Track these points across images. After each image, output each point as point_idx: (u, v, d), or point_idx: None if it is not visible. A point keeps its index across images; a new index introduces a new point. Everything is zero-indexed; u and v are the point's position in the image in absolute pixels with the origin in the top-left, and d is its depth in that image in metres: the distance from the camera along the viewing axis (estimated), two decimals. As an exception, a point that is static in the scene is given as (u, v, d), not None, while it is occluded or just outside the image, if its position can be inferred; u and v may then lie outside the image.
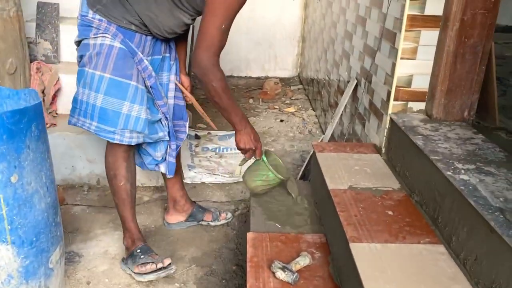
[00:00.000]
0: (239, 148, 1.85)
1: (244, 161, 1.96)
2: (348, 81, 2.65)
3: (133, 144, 1.82)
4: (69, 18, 3.03)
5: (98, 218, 2.30)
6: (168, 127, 1.92)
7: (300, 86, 4.64)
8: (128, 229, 1.96)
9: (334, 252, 1.61)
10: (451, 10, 1.70)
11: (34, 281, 1.48)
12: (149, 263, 1.84)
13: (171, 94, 1.96)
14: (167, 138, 1.93)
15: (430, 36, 1.81)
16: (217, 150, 3.11)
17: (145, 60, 1.74)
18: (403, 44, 1.82)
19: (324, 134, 3.14)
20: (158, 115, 1.86)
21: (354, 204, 1.61)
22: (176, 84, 1.96)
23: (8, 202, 1.34)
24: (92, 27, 1.69)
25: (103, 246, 2.08)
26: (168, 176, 2.08)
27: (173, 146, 1.99)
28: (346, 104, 2.55)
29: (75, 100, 1.80)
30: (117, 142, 1.78)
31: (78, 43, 1.79)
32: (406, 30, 1.80)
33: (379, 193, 1.68)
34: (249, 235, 1.76)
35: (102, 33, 1.68)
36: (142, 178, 2.57)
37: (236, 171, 2.82)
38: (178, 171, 2.16)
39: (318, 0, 3.92)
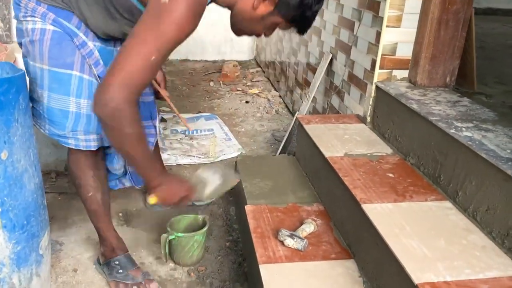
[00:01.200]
0: (168, 205, 1.50)
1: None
2: (321, 57, 2.66)
3: (93, 149, 1.52)
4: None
5: (73, 205, 2.14)
6: None
7: (258, 69, 4.62)
8: (105, 239, 1.70)
9: (338, 218, 1.62)
10: (435, -23, 1.74)
11: (26, 268, 1.35)
12: (128, 283, 1.61)
13: None
14: None
15: (414, 3, 1.85)
16: (187, 132, 3.02)
17: (89, 43, 1.41)
18: (388, 11, 1.84)
19: (294, 112, 3.15)
20: None
21: (355, 169, 1.62)
22: None
23: (-2, 181, 1.20)
24: (20, 6, 1.38)
25: (85, 233, 1.95)
26: (137, 187, 1.85)
27: None
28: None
29: (30, 98, 1.45)
30: (73, 147, 1.51)
31: None
32: (391, -2, 1.82)
33: (375, 158, 1.71)
34: (248, 208, 1.72)
35: (31, 15, 1.37)
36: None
37: (211, 151, 2.76)
38: (157, 153, 2.05)
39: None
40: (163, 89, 1.82)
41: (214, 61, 4.89)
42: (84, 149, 1.52)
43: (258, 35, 1.39)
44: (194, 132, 3.03)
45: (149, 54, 1.16)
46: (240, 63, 4.74)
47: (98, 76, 1.47)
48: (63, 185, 2.32)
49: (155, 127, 1.79)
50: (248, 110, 3.51)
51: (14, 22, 2.65)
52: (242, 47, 4.97)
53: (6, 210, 1.24)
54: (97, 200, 1.64)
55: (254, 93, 3.86)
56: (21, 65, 2.50)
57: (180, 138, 2.94)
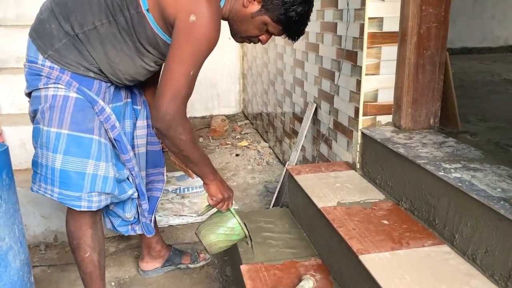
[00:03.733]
0: (213, 200, 1.61)
1: (208, 209, 1.72)
2: (306, 107, 2.70)
3: (101, 207, 1.58)
4: (5, 68, 2.84)
5: (63, 277, 2.07)
6: (136, 184, 1.68)
7: (247, 121, 4.67)
8: None
9: (336, 271, 1.57)
10: (407, 25, 1.81)
11: None
12: None
13: (141, 141, 1.75)
14: (136, 195, 1.69)
15: (390, 51, 1.90)
16: (178, 191, 2.98)
17: (107, 109, 1.51)
18: (366, 60, 1.89)
19: (284, 162, 3.15)
20: (125, 171, 1.62)
21: (349, 218, 1.59)
22: (148, 128, 1.76)
23: (-19, 263, 1.16)
24: (42, 75, 1.45)
25: (76, 306, 1.87)
26: (148, 236, 1.87)
27: (145, 206, 1.75)
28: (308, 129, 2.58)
29: (34, 163, 1.54)
30: (85, 209, 1.53)
31: (28, 95, 1.54)
32: (368, 47, 1.88)
33: (368, 205, 1.69)
34: (244, 268, 1.67)
35: (54, 82, 1.45)
36: (104, 228, 2.38)
37: (202, 209, 2.71)
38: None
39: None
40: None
41: (203, 117, 4.94)
42: (95, 209, 1.55)
43: (254, 40, 1.50)
44: (185, 190, 3.00)
45: (189, 70, 1.34)
46: (228, 117, 4.80)
47: (115, 140, 1.56)
48: (52, 257, 2.25)
49: (162, 174, 1.87)
50: (239, 163, 3.51)
51: (0, 95, 2.69)
52: (229, 102, 5.05)
53: (-10, 292, 1.19)
54: (93, 261, 1.63)
55: (244, 146, 3.87)
56: (7, 136, 2.51)
57: (171, 198, 2.90)
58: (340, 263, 1.53)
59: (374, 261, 1.32)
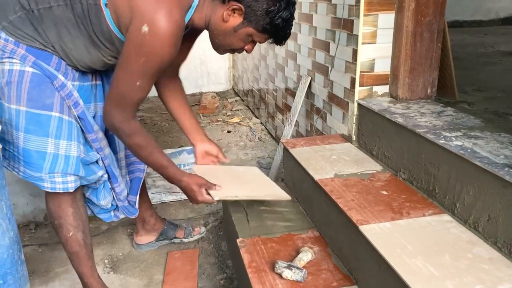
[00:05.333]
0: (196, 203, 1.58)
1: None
2: (299, 80, 2.64)
3: (71, 190, 1.48)
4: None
5: (55, 256, 2.03)
6: (106, 166, 1.60)
7: (237, 98, 4.60)
8: (89, 287, 1.63)
9: (335, 243, 1.55)
10: (405, -9, 1.75)
11: (5, 332, 1.24)
12: None
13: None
14: (105, 177, 1.61)
15: (386, 19, 1.84)
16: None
17: (68, 84, 1.42)
18: (363, 29, 1.84)
19: (277, 137, 3.11)
20: (93, 153, 1.54)
21: (347, 189, 1.56)
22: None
23: (-32, 240, 1.11)
24: None
25: (69, 285, 1.84)
26: (131, 217, 1.81)
27: (118, 189, 1.66)
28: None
29: (1, 139, 1.45)
30: (49, 190, 1.47)
31: None
32: (364, 15, 1.82)
33: (366, 177, 1.66)
34: (240, 241, 1.64)
35: (9, 56, 1.36)
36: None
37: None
38: (144, 189, 1.97)
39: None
40: (223, 158, 1.78)
41: (193, 94, 4.85)
42: (61, 191, 1.47)
43: (239, 50, 1.43)
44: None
45: (134, 81, 1.29)
46: (218, 94, 4.72)
47: (78, 117, 1.47)
48: (43, 236, 2.20)
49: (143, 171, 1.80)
50: (231, 139, 3.46)
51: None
52: (219, 79, 4.97)
53: (-21, 270, 1.14)
54: (78, 240, 1.56)
55: (235, 122, 3.82)
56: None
57: (164, 175, 2.85)
58: (339, 234, 1.51)
59: (374, 231, 1.30)
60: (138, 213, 1.80)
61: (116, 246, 2.10)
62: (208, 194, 1.53)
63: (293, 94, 2.78)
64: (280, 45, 1.42)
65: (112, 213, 1.75)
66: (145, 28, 1.21)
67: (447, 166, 1.38)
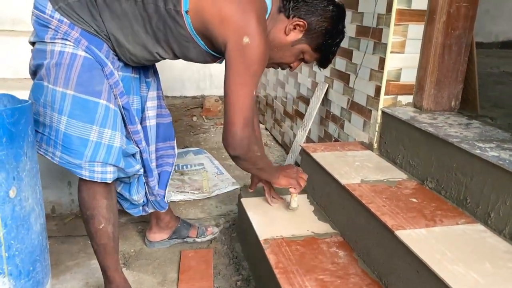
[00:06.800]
0: (294, 190, 1.76)
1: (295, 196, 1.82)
2: (314, 87, 2.65)
3: (108, 181, 1.45)
4: (1, 30, 2.68)
5: (64, 249, 1.97)
6: (143, 159, 1.59)
7: (240, 103, 4.58)
8: (111, 280, 1.59)
9: (361, 248, 1.54)
10: (437, 4, 1.77)
11: (30, 322, 1.19)
12: None
13: (151, 113, 1.66)
14: (141, 171, 1.60)
15: (416, 30, 1.87)
16: (177, 168, 2.90)
17: (116, 74, 1.40)
18: (392, 38, 1.85)
19: (283, 144, 3.10)
20: (133, 145, 1.53)
21: (376, 195, 1.56)
22: (158, 99, 1.69)
23: (6, 223, 1.07)
24: (49, 27, 1.33)
25: (81, 279, 1.78)
26: (162, 211, 1.83)
27: (152, 183, 1.67)
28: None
29: (36, 122, 1.40)
30: (87, 178, 1.42)
31: (32, 44, 1.42)
32: (395, 25, 1.84)
33: (393, 184, 1.66)
34: (264, 242, 1.62)
35: (62, 38, 1.32)
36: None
37: (204, 186, 2.65)
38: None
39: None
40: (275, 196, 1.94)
41: (194, 97, 4.83)
42: (99, 180, 1.43)
43: (285, 66, 1.51)
44: (184, 167, 2.92)
45: (251, 92, 1.33)
46: (221, 98, 4.71)
47: (123, 107, 1.45)
48: (51, 228, 2.14)
49: (173, 148, 1.80)
50: (236, 143, 3.43)
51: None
52: (222, 83, 4.94)
53: (13, 255, 1.10)
54: (108, 233, 1.52)
55: (240, 127, 3.80)
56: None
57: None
58: (368, 240, 1.50)
59: (411, 237, 1.29)
60: (168, 207, 1.79)
61: (127, 242, 2.06)
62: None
63: (305, 100, 2.78)
64: (323, 67, 1.53)
65: (141, 208, 1.72)
66: (246, 40, 1.27)
67: (481, 176, 1.39)
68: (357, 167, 1.81)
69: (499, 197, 1.32)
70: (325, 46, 1.43)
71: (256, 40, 1.27)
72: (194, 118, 4.05)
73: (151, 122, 1.67)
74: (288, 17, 1.40)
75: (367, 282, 1.42)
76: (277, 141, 3.45)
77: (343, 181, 1.68)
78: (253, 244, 1.75)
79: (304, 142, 2.70)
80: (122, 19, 1.33)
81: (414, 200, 1.53)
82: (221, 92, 4.95)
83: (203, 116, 4.11)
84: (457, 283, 1.08)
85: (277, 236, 1.66)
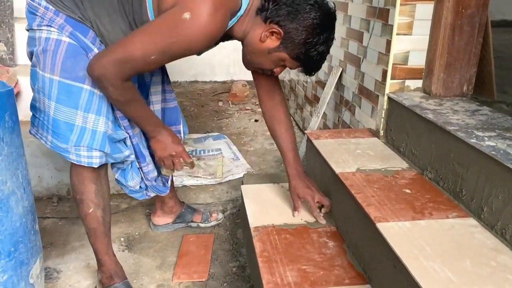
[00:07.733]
0: (157, 158, 1.59)
1: (168, 172, 1.66)
2: (330, 71, 2.57)
3: (95, 166, 1.47)
4: (23, 18, 2.78)
5: (74, 230, 2.06)
6: (133, 145, 1.58)
7: (268, 88, 4.54)
8: (102, 263, 1.62)
9: (351, 239, 1.49)
10: (446, -19, 1.65)
11: (13, 299, 1.25)
12: None
13: (156, 98, 1.68)
14: (132, 157, 1.58)
15: (424, 10, 1.75)
16: (194, 153, 2.93)
17: None
18: (398, 19, 1.75)
19: (304, 129, 3.05)
20: (121, 131, 1.52)
21: (368, 185, 1.50)
22: (162, 84, 1.69)
23: (-20, 205, 1.12)
24: (37, 15, 1.37)
25: (84, 259, 1.85)
26: (162, 195, 1.83)
27: (146, 168, 1.65)
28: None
29: (32, 107, 1.47)
30: (74, 162, 1.46)
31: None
32: (401, 4, 1.73)
33: (390, 173, 1.59)
34: (253, 230, 1.60)
35: (47, 25, 1.36)
36: (117, 185, 2.35)
37: (218, 171, 2.66)
38: None
39: None
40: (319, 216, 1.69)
41: (224, 82, 4.84)
42: (86, 165, 1.46)
43: (267, 70, 1.44)
44: (202, 152, 2.94)
45: (151, 53, 1.25)
46: (249, 82, 4.67)
47: None
48: (64, 209, 2.24)
49: (179, 132, 1.79)
50: (257, 129, 3.42)
51: (17, 46, 2.65)
52: (251, 67, 4.92)
53: (-10, 236, 1.15)
54: (97, 217, 1.56)
55: (264, 112, 3.77)
56: (23, 87, 2.47)
57: (187, 159, 2.84)
58: (356, 231, 1.45)
59: (392, 230, 1.23)
60: (168, 191, 1.81)
61: (134, 225, 2.11)
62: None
63: (323, 85, 2.71)
64: (309, 75, 1.43)
65: (145, 192, 1.74)
66: (186, 15, 1.20)
67: (476, 168, 1.30)
68: (357, 155, 1.74)
69: (492, 190, 1.23)
70: (305, 56, 1.33)
71: (195, 23, 1.20)
72: (220, 103, 4.06)
73: (155, 107, 1.69)
74: (265, 21, 1.32)
75: (351, 275, 1.37)
76: (299, 127, 3.39)
77: (338, 169, 1.62)
78: (249, 231, 1.74)
79: (318, 128, 2.64)
80: (100, 6, 1.34)
81: (408, 191, 1.46)
82: (250, 77, 4.92)
83: (229, 101, 4.11)
84: (427, 281, 1.02)
85: (268, 224, 1.64)
